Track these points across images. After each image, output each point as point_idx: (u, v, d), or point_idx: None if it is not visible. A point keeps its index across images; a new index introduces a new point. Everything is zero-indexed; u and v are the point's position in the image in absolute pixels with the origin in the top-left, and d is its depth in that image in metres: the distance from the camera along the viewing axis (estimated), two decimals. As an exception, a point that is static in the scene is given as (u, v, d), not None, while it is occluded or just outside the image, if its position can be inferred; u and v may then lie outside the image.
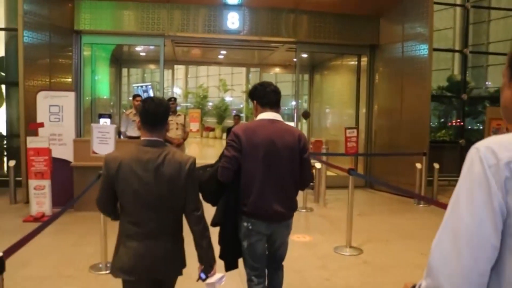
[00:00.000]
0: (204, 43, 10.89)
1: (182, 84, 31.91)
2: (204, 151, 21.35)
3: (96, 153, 5.51)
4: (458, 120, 10.90)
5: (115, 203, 2.54)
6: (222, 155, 2.98)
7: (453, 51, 15.41)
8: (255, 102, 3.15)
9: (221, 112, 27.08)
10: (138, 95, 8.21)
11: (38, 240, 5.56)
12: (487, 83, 19.92)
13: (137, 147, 2.49)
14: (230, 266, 3.10)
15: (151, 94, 19.24)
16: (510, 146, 1.07)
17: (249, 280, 3.10)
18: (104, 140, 5.47)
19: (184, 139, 7.86)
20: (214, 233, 2.80)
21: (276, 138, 2.95)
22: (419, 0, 8.61)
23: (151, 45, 10.20)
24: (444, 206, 4.19)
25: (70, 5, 8.70)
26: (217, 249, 2.77)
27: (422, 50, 8.65)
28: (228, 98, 30.71)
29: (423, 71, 8.65)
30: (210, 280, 2.47)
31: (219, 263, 2.70)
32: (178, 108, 9.32)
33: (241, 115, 9.45)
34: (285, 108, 33.37)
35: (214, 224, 3.02)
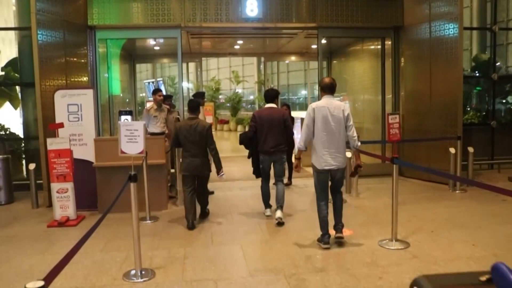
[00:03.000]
0: (222, 33, 10.51)
1: (193, 78, 31.58)
2: (220, 145, 20.98)
3: (125, 153, 5.20)
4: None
5: (179, 143, 6.01)
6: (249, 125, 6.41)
7: (483, 29, 14.82)
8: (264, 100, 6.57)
9: (235, 104, 26.70)
10: (159, 90, 7.91)
11: (65, 246, 5.34)
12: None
13: (186, 120, 6.10)
14: (257, 175, 6.53)
15: (163, 89, 19.01)
16: (320, 104, 4.91)
17: (262, 184, 6.48)
18: (132, 138, 5.16)
19: None
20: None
21: (271, 115, 6.21)
22: (447, -24, 8.17)
23: (168, 37, 9.85)
24: (488, 188, 3.85)
25: (82, 0, 8.39)
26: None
27: (452, 29, 8.21)
28: (239, 90, 30.36)
29: (453, 51, 8.22)
30: (220, 174, 5.96)
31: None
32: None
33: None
34: (295, 97, 33.03)
35: (249, 156, 6.54)
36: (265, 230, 5.83)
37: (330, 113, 4.87)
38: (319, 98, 5.37)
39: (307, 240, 5.33)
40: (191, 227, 5.87)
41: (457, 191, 7.90)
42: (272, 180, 6.45)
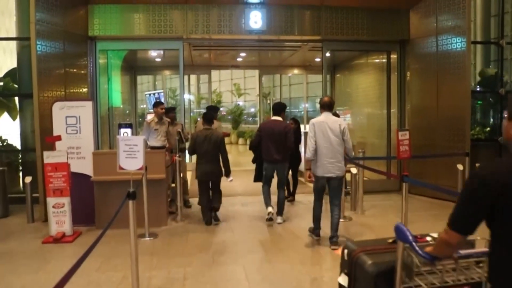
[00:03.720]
0: (225, 45, 10.38)
1: (194, 90, 31.52)
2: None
3: (123, 169, 4.99)
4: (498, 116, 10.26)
5: (195, 150, 6.72)
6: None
7: (490, 43, 14.66)
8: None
9: (236, 116, 26.54)
10: (161, 103, 7.72)
11: (61, 264, 5.12)
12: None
13: (202, 130, 6.76)
14: (258, 180, 7.36)
15: (163, 101, 18.84)
16: (320, 120, 5.65)
17: (263, 187, 7.01)
18: (132, 154, 4.96)
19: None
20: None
21: (274, 127, 6.74)
22: (454, -10, 8.04)
23: (169, 49, 9.70)
24: None
25: (83, 10, 8.27)
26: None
27: (460, 43, 8.07)
28: (241, 102, 30.23)
29: (461, 65, 8.07)
30: (229, 179, 6.86)
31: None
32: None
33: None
34: (297, 110, 32.91)
35: (253, 161, 7.66)
36: (268, 250, 5.60)
37: (329, 127, 5.54)
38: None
39: (312, 260, 5.12)
40: (209, 223, 6.80)
41: (465, 209, 7.67)
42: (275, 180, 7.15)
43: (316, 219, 5.85)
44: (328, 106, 5.73)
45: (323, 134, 5.52)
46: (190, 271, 4.82)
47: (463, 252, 2.23)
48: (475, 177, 1.87)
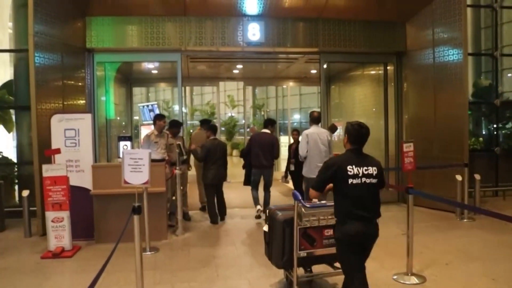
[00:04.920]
0: (221, 58, 10.38)
1: (188, 101, 31.52)
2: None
3: (128, 183, 4.91)
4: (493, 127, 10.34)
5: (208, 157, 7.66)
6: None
7: (485, 55, 14.83)
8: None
9: (230, 128, 26.53)
10: (163, 116, 7.68)
11: (60, 281, 5.02)
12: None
13: (210, 139, 7.85)
14: (246, 183, 8.30)
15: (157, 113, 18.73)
16: (311, 131, 6.93)
17: (252, 190, 8.02)
18: (137, 167, 4.88)
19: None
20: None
21: (263, 138, 7.89)
22: (450, 2, 8.12)
23: (167, 61, 9.68)
24: (502, 217, 3.66)
25: (81, 23, 8.24)
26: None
27: (456, 55, 8.14)
28: (234, 114, 30.23)
29: (458, 76, 8.13)
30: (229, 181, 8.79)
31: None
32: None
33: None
34: (291, 121, 32.93)
35: (243, 167, 8.40)
36: (272, 263, 5.53)
37: (319, 137, 6.86)
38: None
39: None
40: (216, 222, 7.72)
41: (464, 220, 7.69)
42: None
43: None
44: (317, 120, 7.09)
45: (315, 143, 6.80)
46: (195, 286, 4.74)
47: (323, 201, 4.32)
48: (325, 163, 3.66)
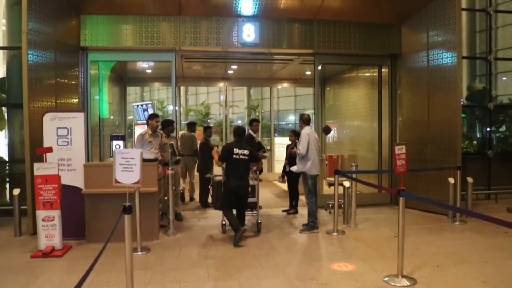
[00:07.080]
0: (215, 58, 10.36)
1: (182, 101, 31.45)
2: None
3: (119, 182, 4.89)
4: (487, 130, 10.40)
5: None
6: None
7: (479, 58, 14.93)
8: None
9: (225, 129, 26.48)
10: (156, 115, 7.65)
11: (50, 280, 4.98)
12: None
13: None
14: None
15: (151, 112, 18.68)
16: (310, 131, 7.34)
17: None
18: (128, 167, 4.86)
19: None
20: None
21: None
22: (445, 6, 8.15)
23: (162, 61, 9.64)
24: (493, 220, 3.66)
25: (75, 21, 8.20)
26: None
27: (450, 58, 8.17)
28: (229, 115, 30.21)
29: (451, 80, 8.15)
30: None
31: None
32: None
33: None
34: (284, 122, 33.00)
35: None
36: (263, 264, 5.51)
37: (315, 137, 7.35)
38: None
39: (308, 275, 5.05)
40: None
41: (456, 223, 7.71)
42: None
43: (316, 213, 7.26)
44: (309, 121, 7.57)
45: (314, 142, 7.25)
46: (186, 287, 4.72)
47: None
48: (224, 147, 7.00)
